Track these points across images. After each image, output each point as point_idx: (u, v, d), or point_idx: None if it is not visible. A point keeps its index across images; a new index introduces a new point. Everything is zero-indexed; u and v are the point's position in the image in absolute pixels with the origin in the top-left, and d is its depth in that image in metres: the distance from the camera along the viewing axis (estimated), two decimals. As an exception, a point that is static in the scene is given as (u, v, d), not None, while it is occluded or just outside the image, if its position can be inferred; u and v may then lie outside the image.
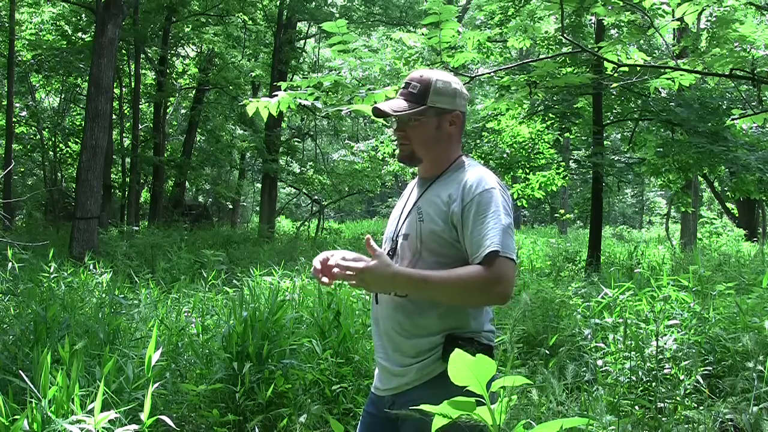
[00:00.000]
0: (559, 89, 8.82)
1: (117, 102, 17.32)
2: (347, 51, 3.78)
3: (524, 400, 3.32)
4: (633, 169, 10.89)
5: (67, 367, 2.96)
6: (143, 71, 18.60)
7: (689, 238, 14.44)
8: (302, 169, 19.27)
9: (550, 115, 10.47)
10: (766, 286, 4.80)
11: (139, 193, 19.10)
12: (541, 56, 10.23)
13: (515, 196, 11.54)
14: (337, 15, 17.76)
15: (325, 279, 1.91)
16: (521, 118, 10.92)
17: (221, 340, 3.83)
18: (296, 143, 20.78)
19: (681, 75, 4.40)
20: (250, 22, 18.20)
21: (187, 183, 20.45)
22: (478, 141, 11.46)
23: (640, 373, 3.60)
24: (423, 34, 5.30)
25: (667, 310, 4.27)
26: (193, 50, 20.60)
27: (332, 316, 4.17)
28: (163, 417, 2.83)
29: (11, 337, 3.73)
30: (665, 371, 3.57)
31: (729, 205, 19.16)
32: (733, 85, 9.27)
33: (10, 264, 5.42)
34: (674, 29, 11.19)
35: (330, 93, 3.92)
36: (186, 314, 4.93)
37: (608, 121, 10.77)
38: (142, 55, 17.20)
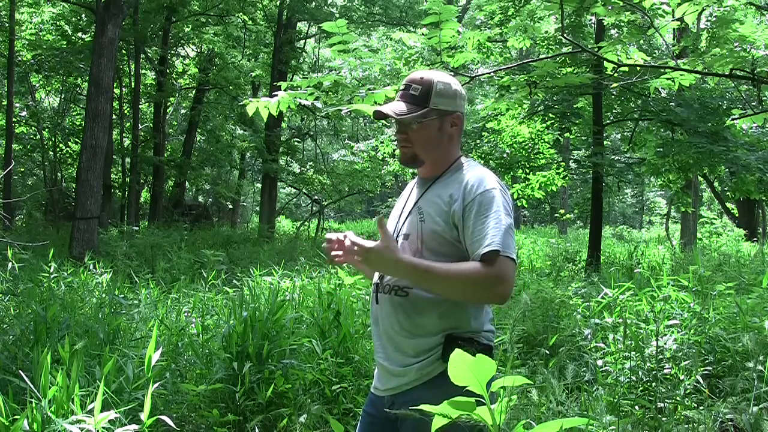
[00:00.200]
0: (559, 89, 8.83)
1: (117, 102, 17.32)
2: (347, 51, 3.78)
3: (524, 400, 3.32)
4: (633, 169, 10.89)
5: (67, 367, 2.96)
6: (143, 71, 18.60)
7: (689, 238, 14.44)
8: (302, 169, 19.27)
9: (550, 115, 10.47)
10: (766, 286, 4.80)
11: (139, 193, 19.10)
12: (541, 56, 10.23)
13: (515, 196, 11.54)
14: (337, 15, 17.76)
15: (338, 253, 1.91)
16: (521, 118, 10.92)
17: (221, 340, 3.83)
18: (296, 143, 20.78)
19: (681, 75, 4.40)
20: (250, 22, 18.20)
21: (187, 183, 20.45)
22: (478, 141, 11.46)
23: (640, 373, 3.60)
24: (423, 34, 5.30)
25: (667, 310, 4.27)
26: (193, 50, 20.60)
27: (332, 316, 4.17)
28: (163, 417, 2.83)
29: (11, 337, 3.73)
30: (665, 371, 3.57)
31: (729, 205, 19.16)
32: (733, 85, 9.28)
33: (10, 264, 5.42)
34: (674, 29, 11.19)
35: (330, 93, 3.92)
36: (186, 314, 4.93)
37: (608, 121, 10.77)
38: (142, 55, 17.20)
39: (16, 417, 2.66)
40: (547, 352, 4.42)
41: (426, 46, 6.05)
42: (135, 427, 2.63)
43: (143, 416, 2.66)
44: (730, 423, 3.29)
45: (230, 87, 18.85)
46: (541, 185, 11.51)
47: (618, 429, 2.99)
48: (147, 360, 2.94)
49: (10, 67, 14.39)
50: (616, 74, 5.63)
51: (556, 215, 24.03)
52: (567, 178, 11.83)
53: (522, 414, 3.17)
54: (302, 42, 19.95)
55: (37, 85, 19.23)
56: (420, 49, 8.51)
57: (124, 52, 16.64)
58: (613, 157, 11.62)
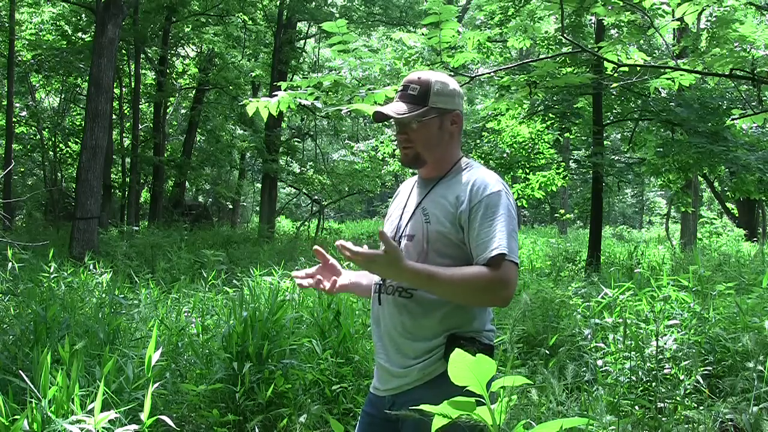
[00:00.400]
0: (559, 89, 8.83)
1: (117, 102, 17.32)
2: (347, 51, 3.78)
3: (524, 400, 3.32)
4: (633, 169, 10.90)
5: (67, 367, 2.96)
6: (143, 71, 18.60)
7: (689, 238, 14.44)
8: (302, 169, 19.27)
9: (550, 115, 10.48)
10: (766, 286, 4.80)
11: (139, 193, 19.10)
12: (541, 56, 10.23)
13: (515, 196, 11.54)
14: (337, 15, 17.76)
15: (348, 253, 1.84)
16: (521, 118, 10.92)
17: (221, 340, 3.83)
18: (296, 143, 20.78)
19: (681, 75, 4.40)
20: (250, 22, 18.20)
21: (187, 183, 20.45)
22: (478, 141, 11.45)
23: (640, 373, 3.60)
24: (423, 34, 5.30)
25: (667, 310, 4.27)
26: (193, 50, 20.60)
27: (332, 316, 4.17)
28: (163, 417, 2.83)
29: (11, 337, 3.73)
30: (665, 371, 3.57)
31: (729, 205, 19.16)
32: (733, 85, 9.27)
33: (10, 264, 5.42)
34: (674, 29, 11.19)
35: (330, 93, 3.92)
36: (186, 314, 4.93)
37: (608, 121, 10.77)
38: (142, 55, 17.20)
39: (16, 417, 2.66)
40: (547, 352, 4.42)
41: (426, 46, 6.05)
42: (135, 427, 2.63)
43: (143, 416, 2.66)
44: (730, 423, 3.29)
45: (230, 87, 18.85)
46: (541, 185, 11.51)
47: (618, 429, 2.99)
48: (147, 360, 2.94)
49: (10, 67, 14.38)
50: (616, 74, 5.63)
51: (556, 215, 24.03)
52: (567, 178, 11.83)
53: (522, 414, 3.17)
54: (302, 42, 19.95)
55: (37, 85, 19.23)
56: (420, 49, 8.50)
57: (124, 52, 16.64)
58: (613, 157, 11.63)
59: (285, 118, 19.10)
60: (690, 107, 9.34)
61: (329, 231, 18.18)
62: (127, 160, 17.97)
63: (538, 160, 11.54)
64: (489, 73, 5.72)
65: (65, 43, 16.69)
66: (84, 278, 5.92)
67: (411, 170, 2.13)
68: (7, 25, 14.66)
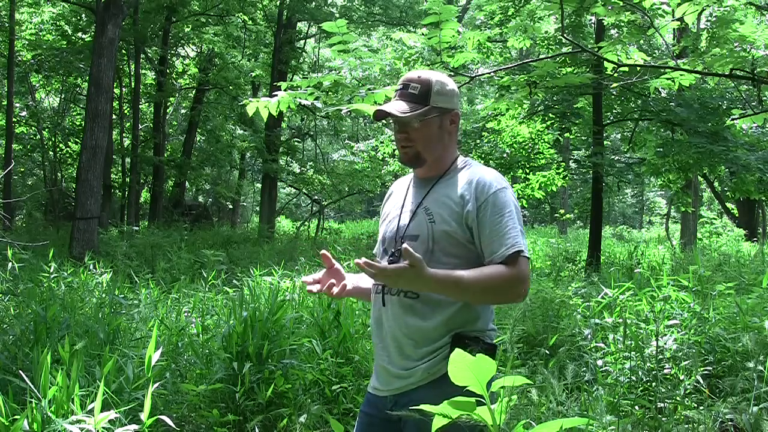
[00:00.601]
0: (559, 89, 8.82)
1: (117, 102, 17.32)
2: (347, 51, 3.78)
3: (524, 400, 3.32)
4: (633, 169, 10.89)
5: (67, 367, 2.96)
6: (143, 71, 18.60)
7: (689, 238, 14.44)
8: (302, 169, 19.27)
9: (550, 115, 10.47)
10: (766, 286, 4.79)
11: (139, 193, 19.10)
12: (541, 56, 10.23)
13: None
14: (337, 15, 17.76)
15: (374, 270, 1.77)
16: (521, 118, 10.92)
17: (221, 340, 3.83)
18: (296, 143, 20.78)
19: (681, 75, 4.40)
20: (250, 22, 18.20)
21: (187, 183, 20.44)
22: (478, 141, 11.45)
23: (640, 373, 3.60)
24: (423, 34, 5.30)
25: (667, 310, 4.27)
26: (193, 50, 20.60)
27: (332, 316, 4.17)
28: (163, 417, 2.84)
29: (11, 337, 3.73)
30: (665, 371, 3.57)
31: (729, 205, 19.16)
32: (733, 85, 9.27)
33: (10, 264, 5.42)
34: (674, 29, 11.19)
35: (330, 93, 3.92)
36: (186, 314, 4.93)
37: (608, 121, 10.77)
38: (142, 55, 17.20)
39: (16, 417, 2.66)
40: (547, 352, 4.42)
41: (426, 46, 6.05)
42: (135, 427, 2.63)
43: (143, 416, 2.66)
44: (730, 423, 3.29)
45: (230, 87, 18.85)
46: (541, 185, 11.51)
47: (618, 429, 2.99)
48: (147, 360, 2.94)
49: (10, 67, 14.38)
50: (616, 74, 5.63)
51: (556, 215, 24.03)
52: (567, 178, 11.83)
53: (522, 414, 3.17)
54: (302, 42, 19.95)
55: (37, 85, 19.23)
56: (420, 49, 8.50)
57: (124, 52, 16.64)
58: (613, 157, 11.63)
59: (285, 118, 19.10)
60: (690, 107, 9.33)
61: (329, 231, 18.18)
62: (127, 160, 17.97)
63: (538, 160, 11.54)
64: (489, 73, 5.72)
65: (65, 43, 16.69)
66: (84, 278, 5.92)
67: (411, 170, 2.11)
68: (7, 25, 14.66)
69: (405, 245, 1.73)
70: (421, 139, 1.95)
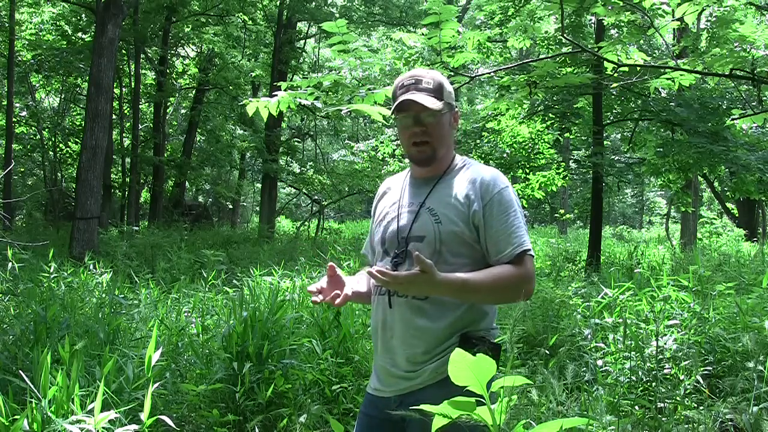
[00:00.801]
0: (559, 89, 8.83)
1: (117, 102, 17.32)
2: (347, 51, 3.77)
3: (524, 400, 3.32)
4: (633, 169, 10.90)
5: (67, 367, 2.96)
6: (143, 71, 18.60)
7: (689, 238, 14.44)
8: (302, 169, 19.27)
9: (550, 115, 10.48)
10: (766, 286, 4.79)
11: (139, 193, 19.10)
12: (541, 56, 10.23)
13: (515, 197, 11.52)
14: (337, 15, 17.76)
15: (386, 278, 1.75)
16: (521, 118, 10.92)
17: (221, 340, 3.83)
18: (296, 143, 20.78)
19: (681, 75, 4.39)
20: (250, 22, 18.20)
21: (187, 183, 20.45)
22: (478, 141, 11.45)
23: (640, 373, 3.59)
24: (423, 34, 5.30)
25: (667, 310, 4.27)
26: (193, 50, 20.60)
27: (332, 316, 4.17)
28: (163, 417, 2.83)
29: (11, 337, 3.73)
30: (665, 371, 3.57)
31: (729, 205, 19.16)
32: (733, 85, 9.27)
33: (10, 264, 5.42)
34: (674, 29, 11.18)
35: (330, 93, 3.91)
36: (186, 314, 4.93)
37: (608, 121, 10.77)
38: (142, 55, 17.20)
39: (16, 417, 2.65)
40: (547, 352, 4.42)
41: (426, 46, 6.04)
42: (135, 427, 2.63)
43: (143, 416, 2.66)
44: (730, 423, 3.29)
45: (230, 87, 18.85)
46: (541, 185, 11.51)
47: (618, 429, 2.99)
48: (147, 360, 2.94)
49: (10, 67, 14.38)
50: (616, 74, 5.63)
51: (556, 215, 24.03)
52: (567, 178, 11.83)
53: (522, 414, 3.17)
54: (302, 42, 19.95)
55: (37, 85, 19.22)
56: (420, 49, 8.51)
57: (124, 52, 16.64)
58: (613, 157, 11.64)
59: (285, 118, 19.11)
60: (690, 107, 9.33)
61: (329, 231, 18.17)
62: (127, 160, 17.97)
63: (538, 160, 11.54)
64: (489, 73, 5.71)
65: (65, 43, 16.69)
66: (84, 278, 5.93)
67: (402, 167, 2.09)
68: (7, 25, 14.66)
69: (416, 253, 1.71)
70: (436, 135, 1.92)
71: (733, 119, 5.70)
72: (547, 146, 11.66)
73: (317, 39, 20.59)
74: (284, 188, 25.42)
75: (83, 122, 11.84)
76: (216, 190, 22.40)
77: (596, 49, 4.71)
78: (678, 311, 4.32)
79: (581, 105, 10.44)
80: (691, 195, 12.81)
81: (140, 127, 18.23)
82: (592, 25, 11.09)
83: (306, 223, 18.79)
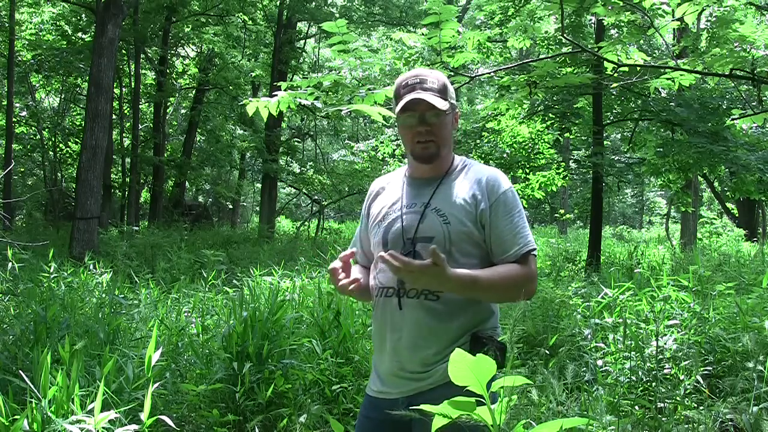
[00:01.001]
0: (559, 89, 8.83)
1: (117, 102, 17.32)
2: (347, 51, 3.77)
3: (524, 400, 3.32)
4: (633, 169, 10.90)
5: (67, 367, 2.96)
6: (143, 71, 18.60)
7: (689, 238, 14.44)
8: (302, 169, 19.27)
9: (550, 115, 10.48)
10: (766, 286, 4.80)
11: (139, 193, 19.10)
12: (541, 56, 10.23)
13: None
14: (337, 15, 17.76)
15: (398, 264, 1.72)
16: (521, 118, 10.92)
17: (221, 340, 3.83)
18: (296, 143, 20.78)
19: (681, 75, 4.40)
20: (250, 22, 18.20)
21: (187, 183, 20.45)
22: (478, 141, 11.45)
23: (640, 373, 3.60)
24: (423, 34, 5.30)
25: (667, 310, 4.27)
26: (193, 50, 20.60)
27: (332, 316, 4.17)
28: (163, 417, 2.83)
29: (11, 337, 3.73)
30: (665, 371, 3.57)
31: (729, 205, 19.16)
32: (733, 85, 9.27)
33: (10, 264, 5.43)
34: (674, 29, 11.18)
35: (330, 93, 3.91)
36: (186, 314, 4.93)
37: (608, 121, 10.77)
38: (142, 55, 17.20)
39: (16, 417, 2.65)
40: (547, 352, 4.42)
41: (426, 46, 6.04)
42: (135, 427, 2.63)
43: (143, 416, 2.66)
44: (730, 423, 3.29)
45: (230, 87, 18.85)
46: (541, 185, 11.51)
47: (618, 429, 2.99)
48: (147, 360, 2.94)
49: (10, 67, 14.38)
50: (616, 74, 5.63)
51: (556, 215, 24.03)
52: (567, 178, 11.83)
53: (522, 414, 3.17)
54: (302, 42, 19.95)
55: (37, 85, 19.23)
56: (420, 49, 8.51)
57: (124, 52, 16.64)
58: (613, 157, 11.63)
59: (285, 118, 19.11)
60: (690, 107, 9.33)
61: (329, 231, 18.17)
62: (127, 160, 17.98)
63: (538, 160, 11.54)
64: (489, 73, 5.71)
65: (65, 43, 16.69)
66: (84, 278, 5.93)
67: (393, 167, 2.08)
68: (7, 25, 14.66)
69: (433, 246, 1.70)
70: (440, 135, 1.92)
71: (733, 119, 5.70)
72: (547, 146, 11.66)
73: (317, 39, 20.59)
74: (284, 188, 25.42)
75: (83, 122, 11.84)
76: (216, 190, 22.40)
77: (596, 49, 4.71)
78: (678, 311, 4.33)
79: (581, 105, 10.44)
80: (691, 195, 12.80)
81: (140, 127, 18.23)
82: (592, 25, 11.09)
83: (306, 223, 18.79)
